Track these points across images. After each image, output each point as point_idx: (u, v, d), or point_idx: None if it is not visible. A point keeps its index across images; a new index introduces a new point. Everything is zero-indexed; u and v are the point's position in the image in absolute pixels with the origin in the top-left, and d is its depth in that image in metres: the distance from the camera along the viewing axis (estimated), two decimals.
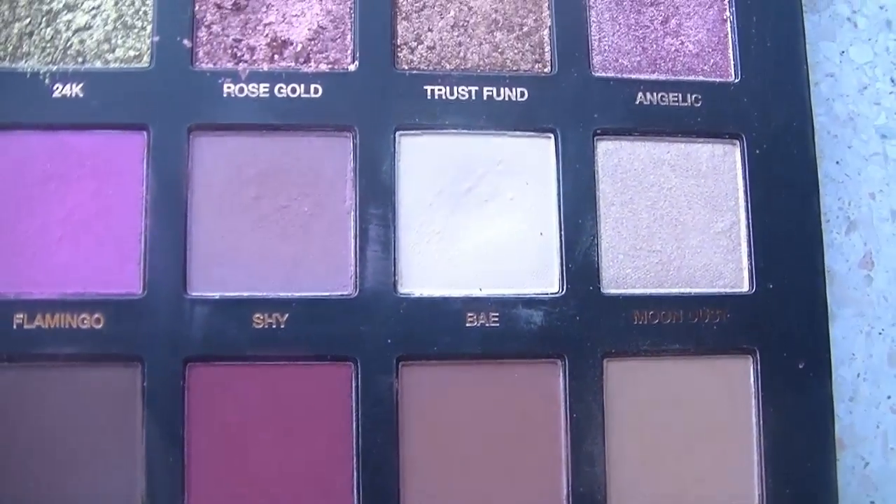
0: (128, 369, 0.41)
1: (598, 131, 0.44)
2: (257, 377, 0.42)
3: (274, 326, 0.41)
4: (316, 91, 0.43)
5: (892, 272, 0.48)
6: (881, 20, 0.50)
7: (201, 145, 0.42)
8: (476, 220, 0.43)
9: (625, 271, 0.44)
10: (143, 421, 0.41)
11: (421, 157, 0.43)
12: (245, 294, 0.42)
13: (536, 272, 0.43)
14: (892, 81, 0.50)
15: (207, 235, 0.42)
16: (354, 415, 0.41)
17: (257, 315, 0.41)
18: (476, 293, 0.42)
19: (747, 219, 0.45)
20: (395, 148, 0.43)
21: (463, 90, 0.43)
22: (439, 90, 0.43)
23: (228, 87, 0.42)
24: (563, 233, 0.43)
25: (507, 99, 0.44)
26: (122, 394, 0.41)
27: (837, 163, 0.49)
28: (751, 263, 0.44)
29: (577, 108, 0.44)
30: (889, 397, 0.47)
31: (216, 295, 0.41)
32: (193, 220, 0.42)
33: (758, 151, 0.45)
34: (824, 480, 0.44)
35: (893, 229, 0.49)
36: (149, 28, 0.43)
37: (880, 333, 0.48)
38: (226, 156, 0.42)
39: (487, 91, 0.44)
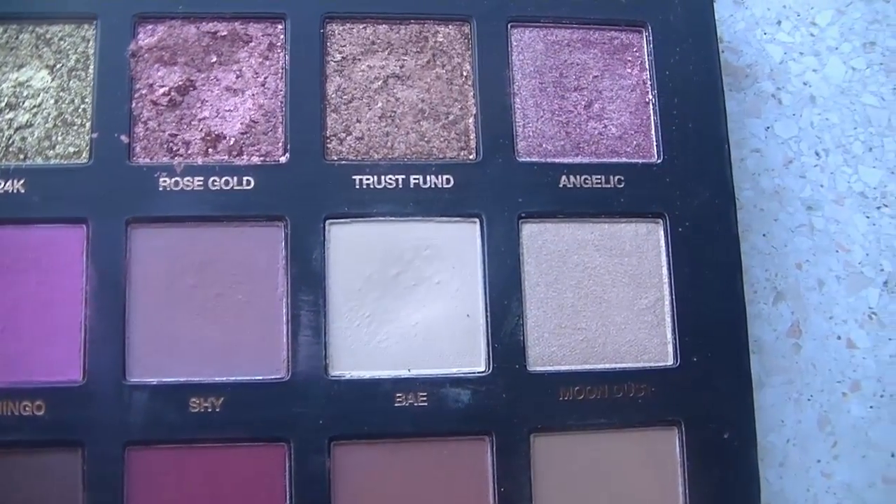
0: (69, 454, 0.42)
1: (523, 215, 0.46)
2: (195, 460, 0.43)
3: (210, 410, 0.43)
4: (248, 183, 0.45)
5: (819, 340, 0.50)
6: (805, 96, 0.52)
7: (139, 237, 0.44)
8: (404, 304, 0.45)
9: (550, 349, 0.45)
10: None
11: (350, 245, 0.45)
12: (182, 379, 0.43)
13: (464, 352, 0.45)
14: (817, 155, 0.51)
15: (145, 324, 0.44)
16: (288, 494, 0.43)
17: (194, 399, 0.43)
18: (405, 374, 0.44)
19: (671, 295, 0.46)
20: (324, 236, 0.45)
21: (390, 179, 0.45)
22: (367, 179, 0.45)
23: (164, 181, 0.44)
24: (489, 314, 0.45)
25: (433, 186, 0.45)
26: (63, 479, 0.42)
27: (764, 235, 0.50)
28: (675, 338, 0.46)
29: (502, 192, 0.46)
30: (819, 461, 0.49)
31: (154, 381, 0.43)
32: (132, 310, 0.44)
33: (680, 229, 0.47)
34: None
35: (820, 298, 0.50)
36: (87, 125, 0.45)
37: (809, 399, 0.49)
38: (163, 247, 0.44)
39: (414, 179, 0.45)
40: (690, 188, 0.47)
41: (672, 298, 0.46)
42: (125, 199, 0.44)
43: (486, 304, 0.45)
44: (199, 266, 0.44)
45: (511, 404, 0.44)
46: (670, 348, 0.46)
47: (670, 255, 0.46)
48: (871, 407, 0.50)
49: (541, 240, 0.46)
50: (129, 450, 0.42)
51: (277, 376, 0.44)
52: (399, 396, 0.44)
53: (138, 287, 0.44)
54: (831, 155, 0.52)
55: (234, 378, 0.43)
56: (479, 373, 0.44)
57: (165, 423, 0.43)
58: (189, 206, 0.44)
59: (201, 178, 0.44)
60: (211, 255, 0.44)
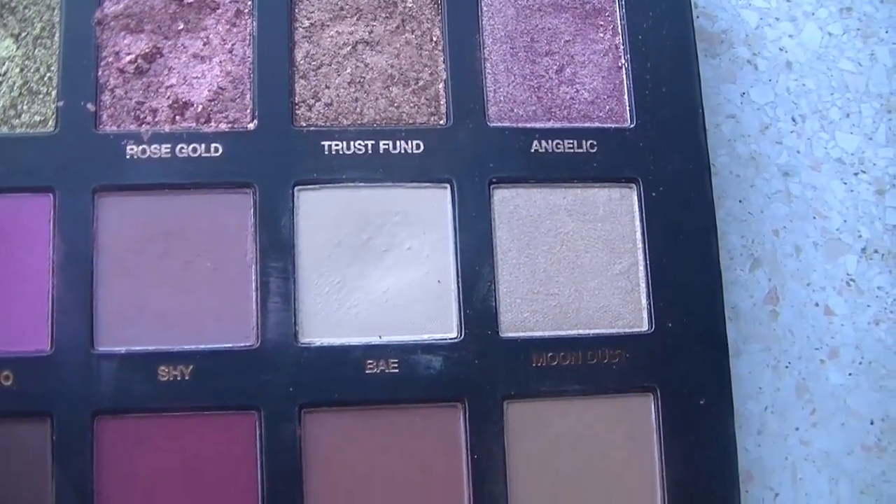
0: (37, 425, 0.42)
1: (494, 180, 0.45)
2: (164, 429, 0.43)
3: (179, 379, 0.42)
4: (216, 150, 0.44)
5: (797, 307, 0.49)
6: (781, 62, 0.51)
7: (106, 206, 0.44)
8: (375, 270, 0.44)
9: (523, 315, 0.45)
10: (53, 475, 0.42)
11: (319, 211, 0.44)
12: (150, 348, 0.43)
13: (435, 319, 0.44)
14: (794, 121, 0.51)
15: (113, 293, 0.43)
16: (259, 463, 0.42)
17: (162, 368, 0.42)
18: (375, 340, 0.44)
19: (645, 260, 0.46)
20: (293, 203, 0.44)
21: (359, 144, 0.45)
22: (336, 145, 0.45)
23: (131, 149, 0.44)
24: (460, 280, 0.44)
25: (402, 152, 0.45)
26: (32, 449, 0.42)
27: (741, 201, 0.50)
28: (649, 303, 0.45)
29: (473, 158, 0.45)
30: (797, 429, 0.48)
31: (122, 350, 0.43)
32: (100, 279, 0.43)
33: (654, 194, 0.46)
34: None
35: (798, 265, 0.50)
36: (53, 93, 0.44)
37: (787, 367, 0.49)
38: (130, 216, 0.44)
39: (384, 145, 0.45)
40: (664, 153, 0.47)
41: (646, 264, 0.46)
42: (92, 168, 0.44)
43: (457, 269, 0.45)
44: (166, 234, 0.44)
45: (483, 371, 0.44)
46: (645, 314, 0.46)
47: (644, 220, 0.46)
48: (849, 374, 0.49)
49: (512, 205, 0.45)
50: (98, 419, 0.42)
51: (247, 344, 0.43)
52: (370, 363, 0.43)
53: (106, 256, 0.43)
54: (808, 121, 0.51)
55: (203, 346, 0.43)
56: (450, 339, 0.44)
57: (134, 392, 0.42)
58: (156, 174, 0.44)
59: (168, 146, 0.44)
60: (179, 224, 0.44)
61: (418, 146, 0.45)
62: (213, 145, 0.44)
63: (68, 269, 0.43)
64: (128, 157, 0.44)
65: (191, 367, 0.43)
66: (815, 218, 0.50)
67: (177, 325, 0.43)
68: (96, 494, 0.42)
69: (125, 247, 0.44)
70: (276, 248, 0.44)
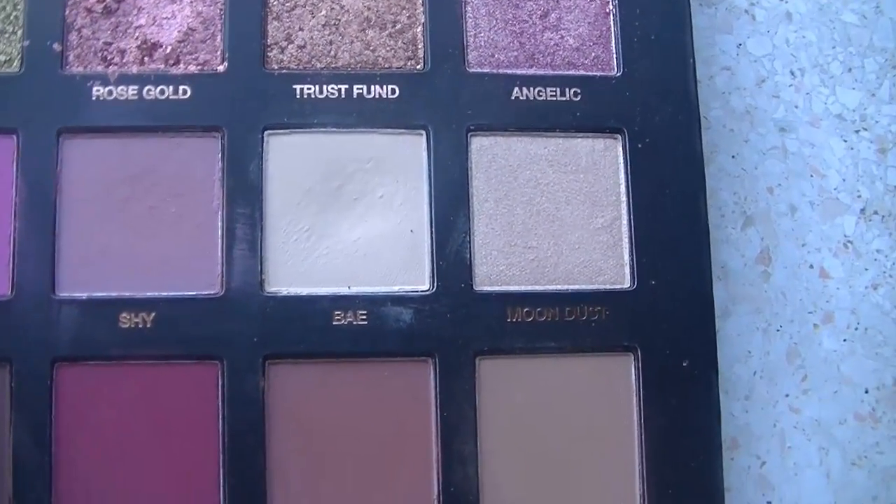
0: None
1: (472, 127, 0.44)
2: (124, 377, 0.41)
3: (140, 326, 0.41)
4: (185, 92, 0.43)
5: (790, 268, 0.47)
6: (780, 12, 0.49)
7: (71, 148, 0.42)
8: (345, 218, 0.43)
9: (499, 268, 0.43)
10: (11, 422, 0.41)
11: (289, 157, 0.43)
12: (113, 294, 0.42)
13: (407, 270, 0.43)
14: (792, 74, 0.49)
15: (76, 237, 0.42)
16: (221, 414, 0.41)
17: (124, 315, 0.41)
18: (344, 291, 0.42)
19: (629, 214, 0.44)
20: (263, 147, 0.43)
21: (333, 89, 0.43)
22: (308, 89, 0.43)
23: (98, 90, 0.42)
24: (434, 230, 0.43)
25: (377, 96, 0.43)
26: None
27: (733, 157, 0.48)
28: (632, 259, 0.44)
29: (451, 104, 0.44)
30: (787, 395, 0.46)
31: (84, 295, 0.41)
32: (63, 223, 0.42)
33: (640, 146, 0.44)
34: (710, 482, 0.43)
35: (792, 224, 0.47)
36: (19, 33, 0.43)
37: (778, 330, 0.47)
38: (95, 159, 0.43)
39: (358, 89, 0.43)
40: (652, 104, 0.45)
41: (630, 218, 0.44)
42: (57, 109, 0.42)
43: (431, 219, 0.43)
44: (132, 178, 0.43)
45: (456, 325, 0.42)
46: (627, 270, 0.44)
47: (629, 172, 0.44)
48: (844, 340, 0.47)
49: (490, 154, 0.44)
50: (57, 366, 0.41)
51: (211, 292, 0.42)
52: (337, 314, 0.42)
53: (70, 200, 0.42)
54: (807, 75, 0.49)
55: (166, 294, 0.42)
56: (422, 291, 0.42)
57: (95, 339, 0.41)
58: (123, 117, 0.43)
59: (136, 88, 0.43)
60: (145, 167, 0.43)
61: (394, 91, 0.44)
62: (181, 87, 0.43)
63: (31, 213, 0.42)
64: (94, 98, 0.43)
65: (153, 314, 0.41)
66: (812, 176, 0.48)
67: (140, 271, 0.42)
68: (54, 442, 0.41)
69: (89, 191, 0.42)
70: (244, 193, 0.42)
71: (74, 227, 0.42)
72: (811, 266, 0.47)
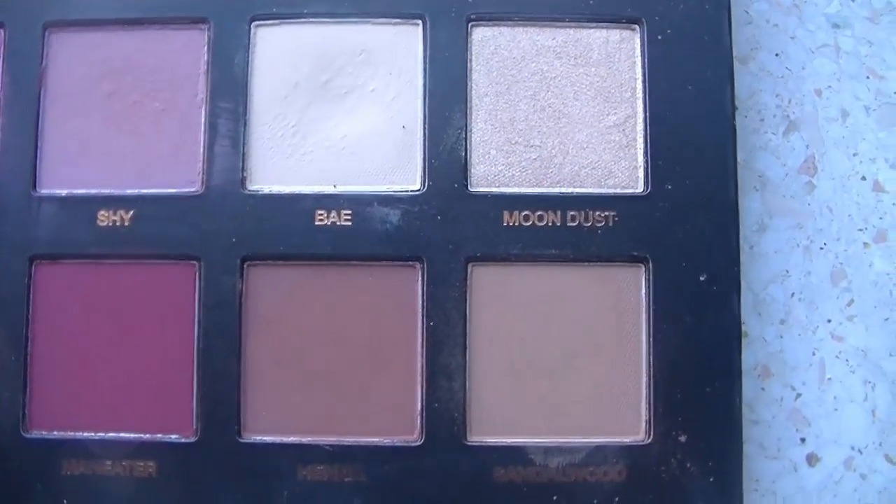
0: None
1: (473, 16, 0.40)
2: (101, 276, 0.40)
3: (118, 224, 0.40)
4: None
5: (839, 179, 0.42)
6: None
7: (57, 42, 0.41)
8: (333, 114, 0.40)
9: (497, 167, 0.40)
10: None
11: (277, 49, 0.41)
12: (92, 191, 0.40)
13: (397, 169, 0.40)
14: None
15: (59, 133, 0.41)
16: (197, 316, 0.39)
17: (102, 212, 0.40)
18: (329, 190, 0.39)
19: (645, 112, 0.40)
20: (250, 39, 0.41)
21: None
22: None
23: None
24: (427, 126, 0.40)
25: None
26: None
27: (777, 55, 0.43)
28: (647, 162, 0.40)
29: None
30: (829, 321, 0.41)
31: (63, 192, 0.40)
32: (46, 118, 0.41)
33: (660, 37, 0.40)
34: (726, 411, 0.38)
35: (843, 131, 0.42)
36: None
37: (822, 248, 0.42)
38: (81, 52, 0.41)
39: None
40: None
41: (646, 116, 0.40)
42: (42, 1, 0.41)
43: (424, 114, 0.40)
44: (117, 73, 0.41)
45: (447, 228, 0.39)
46: (640, 173, 0.40)
47: (646, 66, 0.40)
48: None
49: (493, 45, 0.40)
50: (35, 264, 0.40)
51: (191, 190, 0.40)
52: (320, 214, 0.39)
53: (54, 94, 0.41)
54: None
55: (145, 191, 0.40)
56: (412, 191, 0.39)
57: (73, 237, 0.40)
58: (108, 8, 0.41)
59: None
60: (130, 61, 0.41)
61: None
62: None
63: (14, 107, 0.41)
64: None
65: (131, 212, 0.40)
66: (868, 78, 0.43)
67: (120, 168, 0.40)
68: (31, 339, 0.40)
69: (74, 85, 0.41)
70: (229, 87, 0.40)
71: (57, 123, 0.41)
72: (863, 178, 0.42)
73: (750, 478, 0.40)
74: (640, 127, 0.40)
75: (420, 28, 0.40)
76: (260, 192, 0.40)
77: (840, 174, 0.42)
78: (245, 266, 0.39)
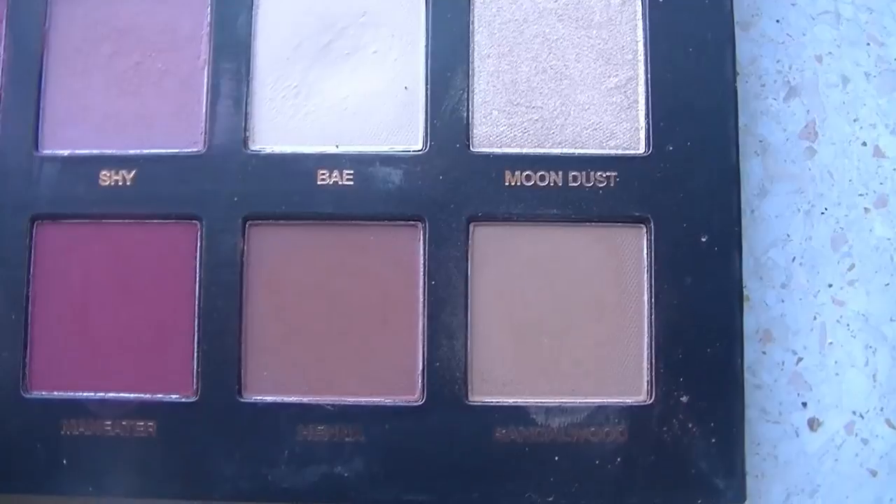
0: None
1: None
2: (103, 236, 0.40)
3: (120, 184, 0.40)
4: None
5: (839, 145, 0.42)
6: None
7: (59, 2, 0.41)
8: (336, 75, 0.40)
9: (499, 128, 0.40)
10: None
11: (280, 10, 0.41)
12: (94, 151, 0.40)
13: (399, 129, 0.40)
14: None
15: (61, 94, 0.41)
16: (198, 276, 0.39)
17: (104, 172, 0.40)
18: (331, 150, 0.39)
19: (646, 74, 0.40)
20: (252, 0, 0.40)
21: None
22: None
23: None
24: (429, 87, 0.40)
25: None
26: None
27: (778, 21, 0.43)
28: (648, 123, 0.40)
29: None
30: (830, 286, 0.41)
31: (65, 152, 0.40)
32: (48, 79, 0.41)
33: (662, 1, 0.40)
34: (728, 373, 0.38)
35: (843, 97, 0.42)
36: None
37: (822, 213, 0.42)
38: (83, 13, 0.41)
39: None
40: None
41: (647, 78, 0.40)
42: None
43: (427, 75, 0.40)
44: (119, 33, 0.41)
45: (448, 188, 0.39)
46: (642, 135, 0.40)
47: (647, 28, 0.40)
48: None
49: (495, 7, 0.40)
50: (37, 224, 0.40)
51: (193, 149, 0.40)
52: (322, 173, 0.39)
53: (56, 55, 0.41)
54: None
55: (147, 151, 0.40)
56: (414, 151, 0.39)
57: (74, 197, 0.40)
58: None
59: None
60: (132, 22, 0.41)
61: None
62: None
63: (17, 68, 0.41)
64: None
65: (133, 172, 0.40)
66: (868, 44, 0.43)
67: (123, 128, 0.40)
68: (31, 299, 0.39)
69: (76, 46, 0.41)
70: (231, 47, 0.40)
71: (59, 84, 0.41)
72: (864, 143, 0.42)
73: (751, 442, 0.40)
74: (641, 89, 0.40)
75: None
76: (262, 152, 0.40)
77: (840, 140, 0.42)
78: (247, 225, 0.39)
